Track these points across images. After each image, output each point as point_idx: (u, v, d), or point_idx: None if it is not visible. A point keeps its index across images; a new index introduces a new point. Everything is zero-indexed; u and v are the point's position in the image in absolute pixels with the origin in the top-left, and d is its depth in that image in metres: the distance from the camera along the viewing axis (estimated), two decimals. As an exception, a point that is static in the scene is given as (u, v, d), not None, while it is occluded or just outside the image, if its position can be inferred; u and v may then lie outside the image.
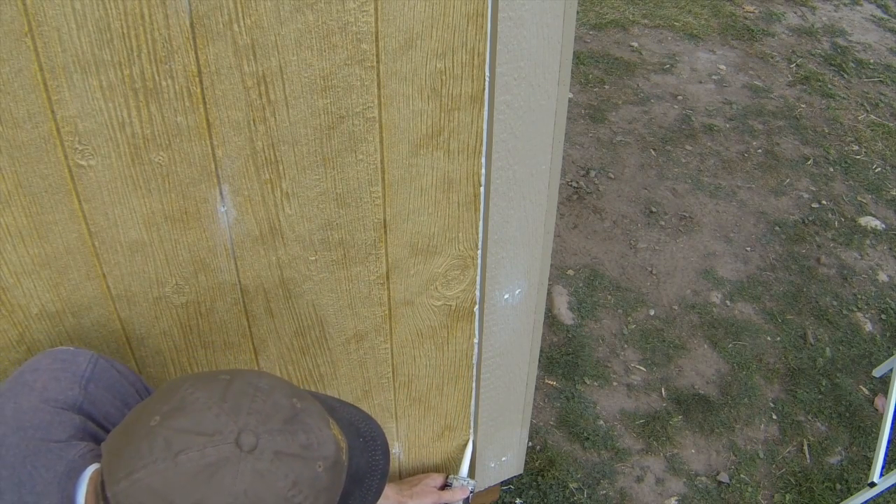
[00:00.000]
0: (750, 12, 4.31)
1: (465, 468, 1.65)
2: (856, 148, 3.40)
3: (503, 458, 1.78)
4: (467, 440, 1.69)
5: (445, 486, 1.60)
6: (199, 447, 0.72)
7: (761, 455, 2.23)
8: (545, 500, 2.08)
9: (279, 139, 1.01)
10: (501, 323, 1.46)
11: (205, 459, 0.72)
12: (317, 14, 0.93)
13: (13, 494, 0.83)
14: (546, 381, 2.37)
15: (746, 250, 2.87)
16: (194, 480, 0.71)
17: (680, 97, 3.61)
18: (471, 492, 1.61)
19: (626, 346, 2.50)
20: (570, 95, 3.56)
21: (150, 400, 0.80)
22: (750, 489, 2.14)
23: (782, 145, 3.38)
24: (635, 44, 3.97)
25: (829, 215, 3.04)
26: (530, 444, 2.18)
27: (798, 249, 2.88)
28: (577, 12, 3.31)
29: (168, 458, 0.72)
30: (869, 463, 2.17)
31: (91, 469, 0.85)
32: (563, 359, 2.44)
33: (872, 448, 2.23)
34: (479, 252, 1.33)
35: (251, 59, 0.93)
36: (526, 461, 1.91)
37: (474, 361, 1.51)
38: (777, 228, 2.96)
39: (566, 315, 2.58)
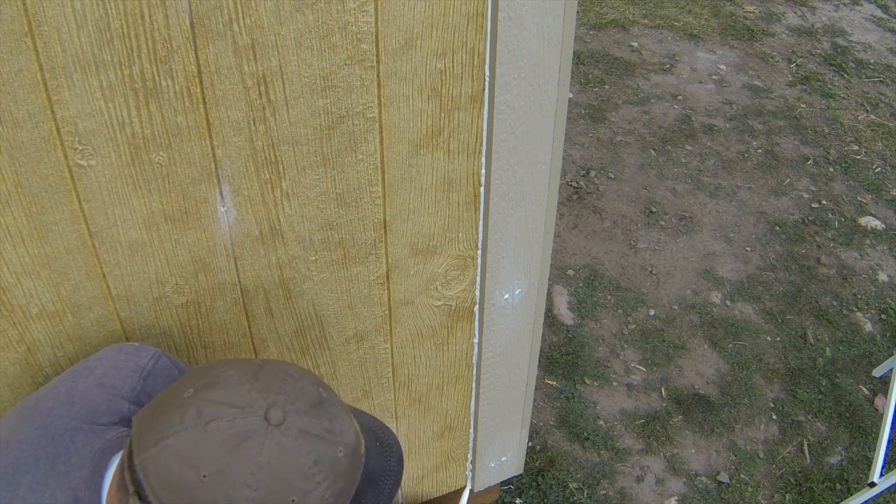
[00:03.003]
0: (750, 12, 4.31)
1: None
2: (856, 148, 3.40)
3: (503, 458, 1.78)
4: (465, 481, 1.74)
5: None
6: (229, 418, 0.75)
7: (761, 455, 2.23)
8: (545, 500, 2.08)
9: (279, 139, 1.01)
10: (501, 323, 1.46)
11: (234, 429, 0.75)
12: (317, 14, 0.93)
13: (47, 463, 0.87)
14: (546, 381, 2.37)
15: (746, 250, 2.87)
16: (221, 448, 0.74)
17: (680, 97, 3.62)
18: None
19: (626, 346, 2.50)
20: (570, 95, 3.56)
21: (185, 377, 0.83)
22: (750, 489, 2.14)
23: (782, 145, 3.38)
24: (635, 44, 3.97)
25: (829, 215, 3.04)
26: (530, 444, 2.18)
27: (798, 249, 2.88)
28: (577, 12, 3.32)
29: (198, 427, 0.75)
30: (869, 463, 2.17)
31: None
32: (563, 359, 2.44)
33: (872, 448, 2.23)
34: (479, 252, 1.33)
35: (251, 59, 0.93)
36: (526, 461, 1.91)
37: (474, 361, 1.51)
38: (777, 228, 2.96)
39: (566, 315, 2.58)
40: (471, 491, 1.78)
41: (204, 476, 0.73)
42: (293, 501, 0.76)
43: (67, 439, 0.88)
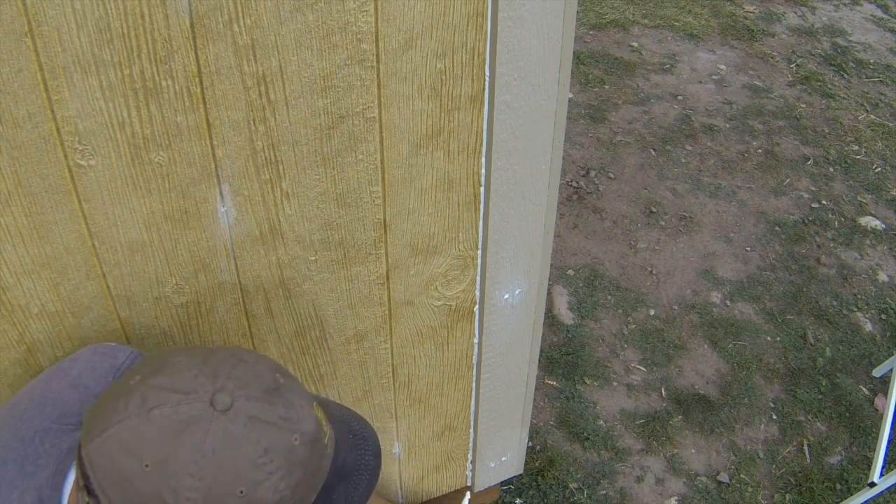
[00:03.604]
0: (750, 12, 4.31)
1: None
2: (856, 148, 3.40)
3: (503, 458, 1.78)
4: (465, 479, 1.71)
5: None
6: (173, 404, 0.72)
7: (761, 455, 2.23)
8: (545, 500, 2.08)
9: (279, 139, 1.01)
10: (501, 323, 1.46)
11: (177, 416, 0.71)
12: (317, 14, 0.93)
13: (15, 465, 0.85)
14: (546, 381, 2.37)
15: (746, 250, 2.87)
16: (164, 436, 0.71)
17: (680, 97, 3.62)
18: None
19: (626, 346, 2.50)
20: (570, 95, 3.56)
21: (138, 365, 0.80)
22: (750, 489, 2.14)
23: (782, 145, 3.38)
24: (635, 44, 3.97)
25: (829, 215, 3.04)
26: (530, 444, 2.18)
27: (798, 249, 2.88)
28: (577, 12, 3.32)
29: (142, 414, 0.71)
30: (869, 463, 2.17)
31: None
32: (563, 359, 2.44)
33: (872, 448, 2.23)
34: (479, 252, 1.33)
35: (251, 59, 0.93)
36: (526, 461, 1.91)
37: (474, 361, 1.51)
38: (777, 228, 2.96)
39: (566, 315, 2.58)
40: (470, 489, 1.78)
41: (146, 466, 0.70)
42: (242, 493, 0.71)
43: (37, 441, 0.86)
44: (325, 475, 0.81)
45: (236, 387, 0.74)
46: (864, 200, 3.13)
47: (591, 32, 4.03)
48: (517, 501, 2.07)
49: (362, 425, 0.95)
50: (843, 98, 3.69)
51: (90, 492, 0.72)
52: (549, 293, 2.45)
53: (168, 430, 0.71)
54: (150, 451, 0.70)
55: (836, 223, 3.01)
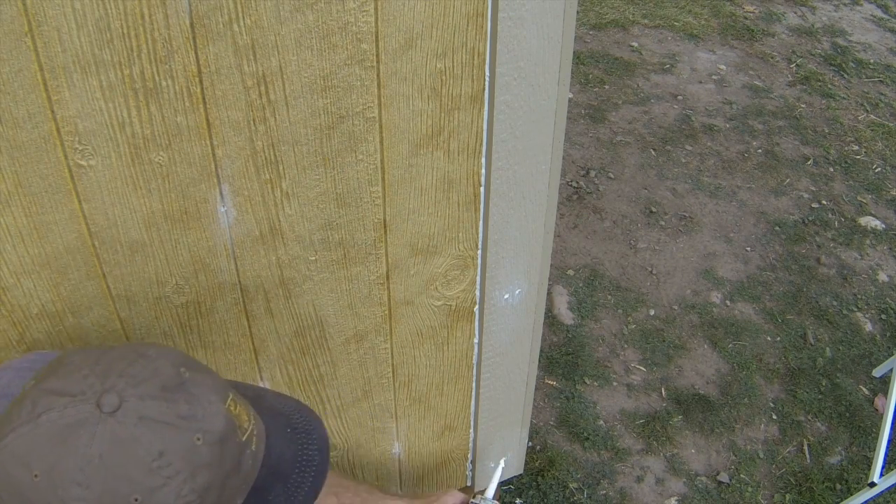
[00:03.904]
0: (750, 12, 4.31)
1: (492, 489, 1.46)
2: (856, 148, 3.40)
3: (503, 459, 1.78)
4: (499, 460, 1.67)
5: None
6: (60, 408, 0.67)
7: (761, 455, 2.23)
8: (545, 500, 2.08)
9: (279, 139, 1.01)
10: (501, 323, 1.46)
11: (63, 420, 0.67)
12: (317, 14, 0.93)
13: None
14: (546, 381, 2.37)
15: (746, 250, 2.87)
16: (50, 442, 0.66)
17: (680, 97, 3.61)
18: None
19: (626, 346, 2.50)
20: (570, 95, 3.56)
21: (39, 368, 0.76)
22: (750, 489, 2.14)
23: (782, 145, 3.38)
24: (635, 44, 3.97)
25: (829, 215, 3.04)
26: (530, 444, 2.18)
27: (798, 249, 2.88)
28: (577, 12, 3.32)
29: (31, 420, 0.67)
30: (869, 463, 2.17)
31: None
32: (563, 359, 2.44)
33: (872, 448, 2.23)
34: (479, 252, 1.33)
35: (251, 59, 0.93)
36: (526, 461, 1.91)
37: (474, 361, 1.51)
38: (777, 228, 2.96)
39: (566, 315, 2.58)
40: (470, 488, 1.78)
41: (35, 476, 0.65)
42: (136, 500, 0.66)
43: None
44: (253, 475, 0.76)
45: (128, 385, 0.69)
46: (864, 200, 3.13)
47: (591, 32, 4.03)
48: (517, 501, 2.07)
49: (306, 418, 0.88)
50: (843, 98, 3.69)
51: None
52: (549, 293, 2.45)
53: (54, 436, 0.66)
54: (38, 460, 0.66)
55: (836, 223, 3.01)
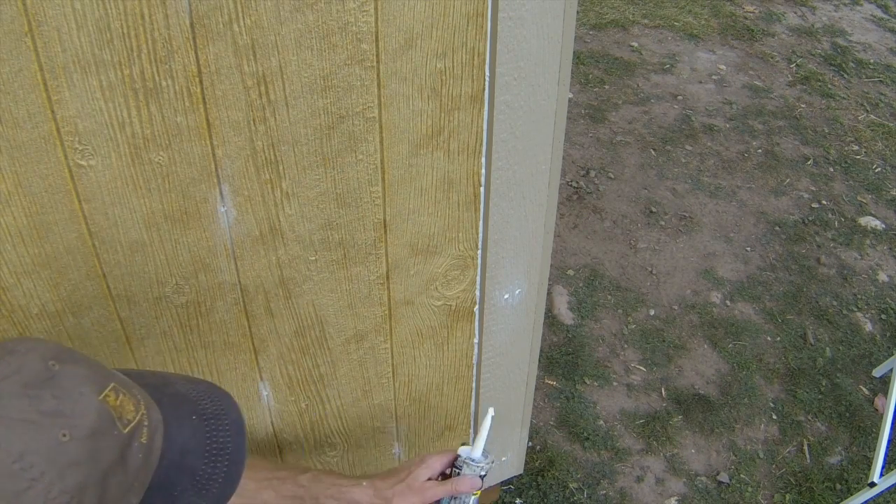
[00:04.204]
0: (750, 12, 4.31)
1: (479, 448, 1.17)
2: (856, 148, 3.40)
3: (503, 458, 1.78)
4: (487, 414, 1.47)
5: (452, 470, 1.17)
6: None
7: (761, 455, 2.23)
8: (545, 500, 2.08)
9: (279, 139, 1.01)
10: (501, 323, 1.46)
11: None
12: (317, 14, 0.93)
13: None
14: (546, 381, 2.37)
15: (746, 250, 2.87)
16: None
17: (680, 97, 3.61)
18: (482, 476, 1.16)
19: (626, 346, 2.50)
20: (570, 95, 3.56)
21: None
22: (750, 489, 2.14)
23: (782, 145, 3.38)
24: (635, 44, 3.97)
25: (829, 215, 3.04)
26: (530, 444, 2.18)
27: (798, 249, 2.88)
28: (577, 12, 3.32)
29: None
30: (869, 463, 2.17)
31: None
32: (563, 359, 2.44)
33: (872, 448, 2.23)
34: (479, 252, 1.33)
35: (251, 59, 0.93)
36: (526, 461, 1.91)
37: (474, 361, 1.51)
38: (777, 228, 2.96)
39: (566, 315, 2.58)
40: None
41: None
42: None
43: None
44: (148, 471, 0.71)
45: None
46: (864, 200, 3.13)
47: (591, 32, 4.03)
48: (517, 501, 2.07)
49: (217, 402, 0.81)
50: (843, 98, 3.69)
51: None
52: (549, 293, 2.45)
53: None
54: None
55: (836, 223, 3.01)
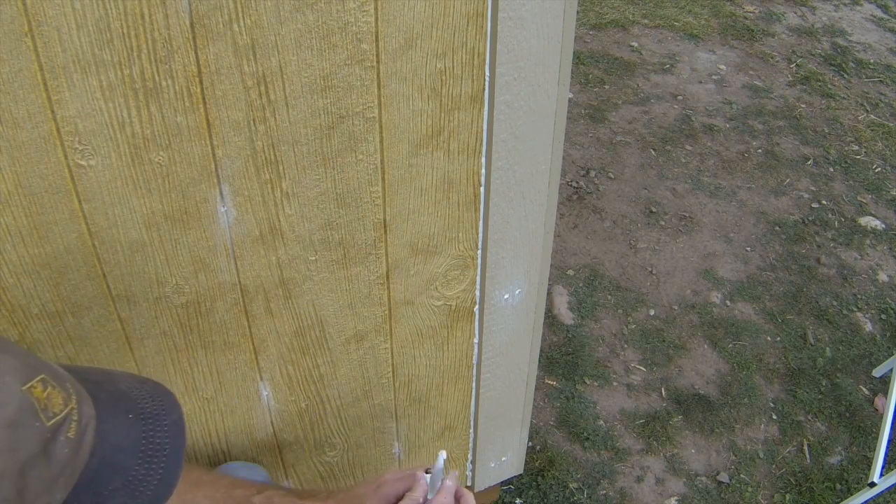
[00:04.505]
0: (750, 12, 4.31)
1: (440, 463, 1.06)
2: (856, 148, 3.40)
3: (503, 458, 1.78)
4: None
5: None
6: None
7: (761, 455, 2.23)
8: (545, 500, 2.08)
9: (279, 139, 1.01)
10: (501, 323, 1.46)
11: None
12: (317, 14, 0.93)
13: None
14: (546, 381, 2.37)
15: (746, 250, 2.87)
16: None
17: (680, 97, 3.61)
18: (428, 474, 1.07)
19: (626, 346, 2.50)
20: (570, 95, 3.56)
21: None
22: (750, 489, 2.14)
23: (782, 145, 3.38)
24: (635, 44, 3.97)
25: (829, 215, 3.04)
26: (530, 444, 2.18)
27: (798, 249, 2.88)
28: (577, 12, 3.32)
29: None
30: (869, 463, 2.17)
31: None
32: (563, 359, 2.44)
33: (872, 448, 2.23)
34: (479, 252, 1.33)
35: (251, 59, 0.93)
36: (526, 461, 1.91)
37: (474, 361, 1.51)
38: (777, 228, 2.96)
39: (566, 315, 2.58)
40: (471, 488, 1.78)
41: None
42: None
43: None
44: (76, 466, 0.69)
45: None
46: (864, 200, 3.13)
47: (591, 32, 4.03)
48: (517, 501, 2.07)
49: (159, 402, 0.79)
50: (843, 98, 3.69)
51: None
52: (549, 293, 2.45)
53: None
54: None
55: (836, 223, 3.01)
